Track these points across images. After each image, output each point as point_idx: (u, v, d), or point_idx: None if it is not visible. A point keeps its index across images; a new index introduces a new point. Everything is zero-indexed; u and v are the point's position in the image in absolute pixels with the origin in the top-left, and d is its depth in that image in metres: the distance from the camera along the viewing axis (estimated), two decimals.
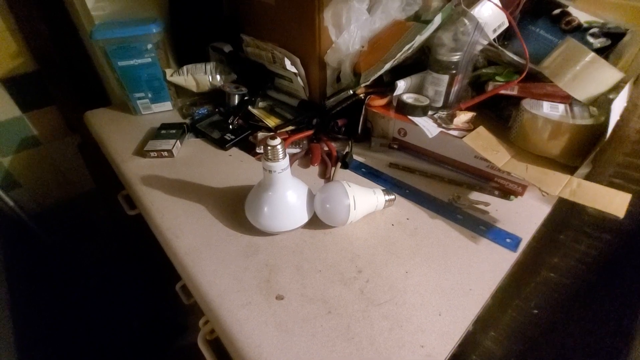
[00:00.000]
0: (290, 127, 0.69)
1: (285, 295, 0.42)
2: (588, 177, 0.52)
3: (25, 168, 1.03)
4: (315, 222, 0.50)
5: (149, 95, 0.78)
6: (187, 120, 0.76)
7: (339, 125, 0.67)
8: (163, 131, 0.70)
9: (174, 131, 0.70)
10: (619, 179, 0.54)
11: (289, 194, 0.48)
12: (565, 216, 0.66)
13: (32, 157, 1.05)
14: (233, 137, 0.68)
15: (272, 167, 0.44)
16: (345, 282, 0.43)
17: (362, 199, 0.48)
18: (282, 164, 0.44)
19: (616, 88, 0.49)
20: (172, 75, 0.77)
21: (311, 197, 0.50)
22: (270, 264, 0.45)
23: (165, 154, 0.65)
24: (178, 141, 0.67)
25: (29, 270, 1.02)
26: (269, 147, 0.43)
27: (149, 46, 0.72)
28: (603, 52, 0.56)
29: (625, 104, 0.49)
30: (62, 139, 1.08)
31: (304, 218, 0.49)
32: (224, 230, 0.50)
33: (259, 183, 0.48)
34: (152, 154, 0.65)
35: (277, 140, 0.43)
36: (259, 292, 0.42)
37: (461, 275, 0.44)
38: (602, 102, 0.49)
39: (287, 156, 0.45)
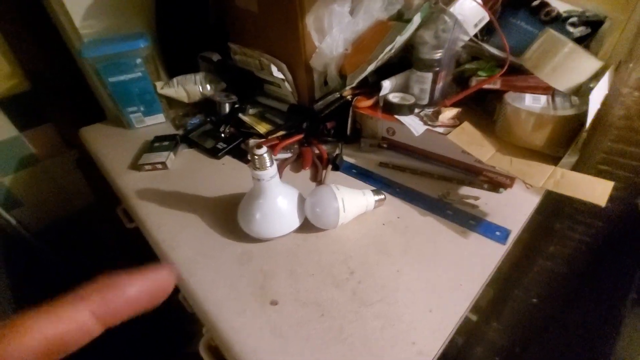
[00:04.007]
0: (281, 132, 0.70)
1: (280, 300, 0.43)
2: (576, 166, 0.53)
3: (26, 186, 1.05)
4: (307, 226, 0.51)
5: (142, 108, 0.79)
6: (180, 131, 0.78)
7: (328, 128, 0.68)
8: (156, 144, 0.71)
9: (167, 143, 0.71)
10: (606, 165, 0.55)
11: (279, 200, 0.49)
12: (558, 204, 0.67)
13: (32, 175, 1.06)
14: (225, 145, 0.69)
15: (260, 175, 0.45)
16: (338, 284, 0.44)
17: (351, 201, 0.49)
18: (270, 172, 0.45)
19: (597, 76, 0.49)
20: (162, 88, 0.78)
21: (302, 201, 0.51)
22: (265, 270, 0.46)
23: (160, 166, 0.66)
24: (171, 153, 0.68)
25: (34, 287, 1.03)
26: (255, 157, 0.44)
27: (138, 61, 0.73)
28: (583, 40, 0.56)
29: (606, 92, 0.49)
30: (60, 156, 1.10)
31: (296, 223, 0.50)
32: (219, 239, 0.51)
33: (250, 191, 0.49)
34: (146, 167, 0.66)
35: (263, 149, 0.44)
36: (254, 298, 0.43)
37: (451, 271, 0.45)
38: (584, 91, 0.50)
39: (275, 164, 0.46)
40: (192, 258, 0.49)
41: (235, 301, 0.43)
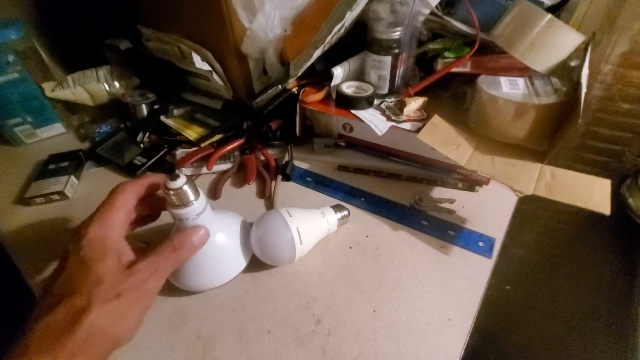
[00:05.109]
0: (217, 137, 0.57)
1: None
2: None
3: None
4: (257, 262, 0.40)
5: (29, 119, 0.61)
6: (86, 144, 0.61)
7: (273, 129, 0.56)
8: (51, 166, 0.55)
9: (66, 164, 0.55)
10: (583, 151, 0.50)
11: (217, 239, 0.37)
12: None
13: None
14: (145, 160, 0.55)
15: (183, 214, 0.33)
16: (302, 340, 0.35)
17: (308, 227, 0.39)
18: (196, 208, 0.33)
19: (576, 53, 0.43)
20: (53, 90, 0.60)
21: (247, 231, 0.40)
22: (204, 335, 0.35)
23: (56, 197, 0.50)
24: (72, 177, 0.53)
25: None
26: (171, 192, 0.32)
27: (11, 58, 0.55)
28: (555, 10, 0.49)
29: (587, 71, 0.43)
30: None
31: (241, 263, 0.39)
32: None
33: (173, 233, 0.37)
34: (37, 200, 0.50)
35: (181, 180, 0.32)
36: None
37: (436, 302, 0.37)
38: (563, 71, 0.43)
39: (202, 194, 0.34)
40: None
41: None
